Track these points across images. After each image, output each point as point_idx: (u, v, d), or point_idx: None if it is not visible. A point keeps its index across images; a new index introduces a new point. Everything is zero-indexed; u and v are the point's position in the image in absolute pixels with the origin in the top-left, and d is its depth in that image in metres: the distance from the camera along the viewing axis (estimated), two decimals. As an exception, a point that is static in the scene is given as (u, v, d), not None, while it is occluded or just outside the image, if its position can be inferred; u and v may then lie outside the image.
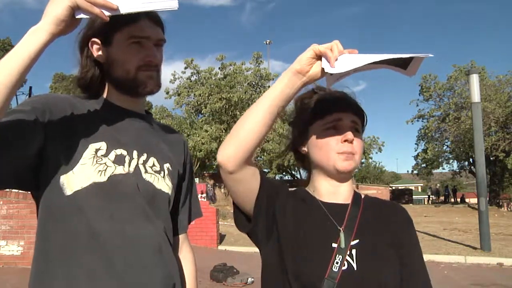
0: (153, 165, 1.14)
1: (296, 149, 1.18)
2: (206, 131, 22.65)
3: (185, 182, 1.29)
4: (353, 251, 1.02)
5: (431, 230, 13.24)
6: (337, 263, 0.99)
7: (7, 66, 0.87)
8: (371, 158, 30.35)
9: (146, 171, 1.12)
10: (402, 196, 33.54)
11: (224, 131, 22.32)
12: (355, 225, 1.05)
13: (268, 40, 36.03)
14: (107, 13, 0.92)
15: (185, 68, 25.65)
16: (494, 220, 15.14)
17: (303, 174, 1.24)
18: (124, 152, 1.09)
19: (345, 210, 1.08)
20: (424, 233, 12.11)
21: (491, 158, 26.24)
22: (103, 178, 1.04)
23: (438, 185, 58.18)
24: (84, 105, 1.12)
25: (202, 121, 24.52)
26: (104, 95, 1.18)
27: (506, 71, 27.35)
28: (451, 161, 31.87)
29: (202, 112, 24.58)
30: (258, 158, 22.03)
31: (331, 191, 1.10)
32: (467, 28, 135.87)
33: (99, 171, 1.04)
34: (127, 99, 1.17)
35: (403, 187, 43.46)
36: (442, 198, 41.86)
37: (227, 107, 23.09)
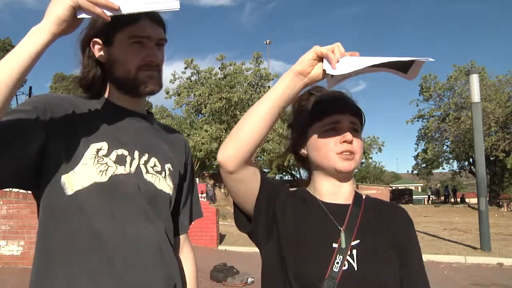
0: (154, 165, 1.14)
1: (296, 151, 1.18)
2: (206, 131, 22.63)
3: (186, 183, 1.29)
4: (354, 252, 1.02)
5: (431, 230, 13.24)
6: (337, 263, 0.99)
7: (8, 66, 0.87)
8: (371, 158, 30.30)
9: (147, 172, 1.12)
10: (402, 196, 33.58)
11: (224, 131, 22.31)
12: (356, 226, 1.05)
13: (268, 40, 36.12)
14: (108, 13, 0.92)
15: (185, 68, 25.68)
16: (494, 220, 15.14)
17: (303, 174, 1.24)
18: (126, 152, 1.09)
19: (345, 210, 1.08)
20: (424, 233, 12.11)
21: (491, 158, 26.24)
22: (104, 178, 1.04)
23: (438, 185, 58.13)
24: (85, 104, 1.12)
25: (202, 121, 24.50)
26: (106, 95, 1.18)
27: (506, 71, 27.45)
28: (451, 161, 31.91)
29: (202, 112, 24.56)
30: (258, 158, 22.01)
31: (332, 192, 1.10)
32: (467, 28, 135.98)
33: (100, 171, 1.04)
34: (128, 99, 1.17)
35: (403, 187, 43.53)
36: (442, 198, 41.82)
37: (227, 107, 23.07)
